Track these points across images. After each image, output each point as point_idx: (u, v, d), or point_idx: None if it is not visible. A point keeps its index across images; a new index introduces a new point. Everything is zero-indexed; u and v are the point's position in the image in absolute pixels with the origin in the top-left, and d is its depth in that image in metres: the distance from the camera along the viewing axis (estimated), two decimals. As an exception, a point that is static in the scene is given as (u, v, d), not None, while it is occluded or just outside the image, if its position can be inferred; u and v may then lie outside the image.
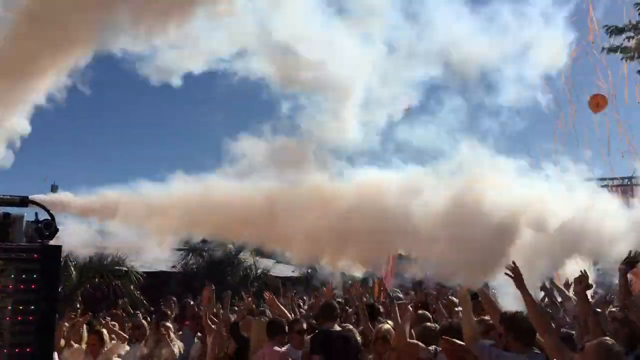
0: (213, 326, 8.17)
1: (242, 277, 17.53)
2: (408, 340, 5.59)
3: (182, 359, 9.15)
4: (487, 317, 5.43)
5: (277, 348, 6.64)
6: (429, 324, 6.27)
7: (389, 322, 6.35)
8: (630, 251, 5.56)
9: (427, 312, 7.48)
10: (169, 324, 9.63)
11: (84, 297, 15.07)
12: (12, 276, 3.15)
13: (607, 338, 3.82)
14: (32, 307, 3.10)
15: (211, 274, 16.43)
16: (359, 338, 6.68)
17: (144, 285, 16.57)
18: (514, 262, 4.53)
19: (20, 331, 3.08)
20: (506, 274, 4.51)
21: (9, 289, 3.14)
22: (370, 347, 6.36)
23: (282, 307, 8.29)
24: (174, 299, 12.15)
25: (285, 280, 18.29)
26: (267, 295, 8.54)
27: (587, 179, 5.76)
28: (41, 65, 4.97)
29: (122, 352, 8.53)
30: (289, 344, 6.98)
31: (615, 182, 15.41)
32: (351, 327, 7.11)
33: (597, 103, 10.51)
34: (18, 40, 4.71)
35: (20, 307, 3.10)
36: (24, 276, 3.15)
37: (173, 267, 17.99)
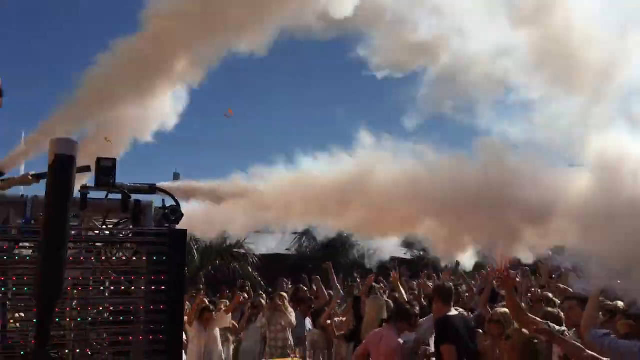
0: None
1: (355, 258, 17.71)
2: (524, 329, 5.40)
3: (296, 339, 9.49)
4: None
5: (394, 335, 6.60)
6: (550, 308, 6.01)
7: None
8: None
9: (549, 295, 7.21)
10: (284, 294, 10.02)
11: (207, 278, 15.97)
12: (145, 258, 3.39)
13: None
14: (163, 287, 3.32)
15: (324, 256, 16.76)
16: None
17: (261, 268, 17.24)
18: None
19: (154, 309, 3.32)
20: None
21: (142, 270, 3.39)
22: (485, 331, 6.23)
23: (402, 288, 8.31)
24: (286, 280, 12.54)
25: (397, 261, 18.23)
26: (393, 274, 8.60)
27: None
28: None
29: (227, 324, 9.22)
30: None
31: None
32: (462, 310, 6.98)
33: None
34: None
35: (152, 287, 3.33)
36: (154, 258, 3.37)
37: (287, 249, 18.56)
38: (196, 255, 17.19)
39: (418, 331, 7.06)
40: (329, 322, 8.43)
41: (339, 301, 9.53)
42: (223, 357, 8.94)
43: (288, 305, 9.67)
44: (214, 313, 8.87)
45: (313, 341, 9.23)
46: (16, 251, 3.25)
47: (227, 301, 9.95)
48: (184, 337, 8.55)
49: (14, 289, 3.25)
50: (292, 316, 9.53)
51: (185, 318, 7.96)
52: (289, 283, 12.53)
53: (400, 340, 6.56)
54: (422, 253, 19.88)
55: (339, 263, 17.20)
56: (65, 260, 2.45)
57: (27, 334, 3.28)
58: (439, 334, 6.08)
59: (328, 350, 8.82)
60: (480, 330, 6.46)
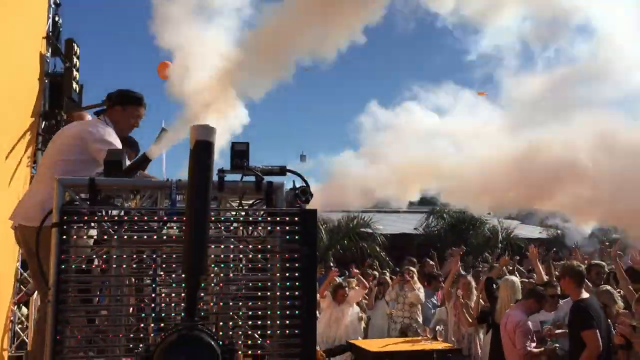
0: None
1: (485, 238, 17.17)
2: None
3: (425, 318, 9.43)
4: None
5: (519, 312, 6.45)
6: None
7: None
8: None
9: None
10: (413, 269, 10.01)
11: (335, 258, 16.31)
12: (279, 237, 3.53)
13: None
14: (297, 265, 3.45)
15: (453, 236, 16.43)
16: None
17: (389, 247, 17.28)
18: None
19: (289, 285, 3.46)
20: None
21: (276, 248, 3.54)
22: (633, 311, 5.84)
23: (539, 267, 8.03)
24: (414, 259, 12.50)
25: (531, 241, 17.43)
26: (531, 249, 8.33)
27: None
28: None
29: (361, 299, 9.44)
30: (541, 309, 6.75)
31: None
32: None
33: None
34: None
35: (287, 265, 3.47)
36: (287, 237, 3.51)
37: (415, 229, 18.41)
38: (324, 235, 17.61)
39: (557, 313, 6.78)
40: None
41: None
42: (349, 330, 9.20)
43: (417, 281, 9.64)
44: (346, 289, 9.21)
45: (441, 319, 9.14)
46: (164, 231, 3.53)
47: (355, 279, 10.15)
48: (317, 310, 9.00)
49: (164, 265, 3.55)
50: (421, 292, 9.47)
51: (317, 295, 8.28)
52: (416, 262, 12.44)
53: (525, 318, 6.37)
54: (558, 232, 18.80)
55: (469, 243, 16.77)
56: (208, 238, 2.63)
57: (175, 307, 3.58)
58: (579, 318, 5.78)
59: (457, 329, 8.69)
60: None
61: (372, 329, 9.94)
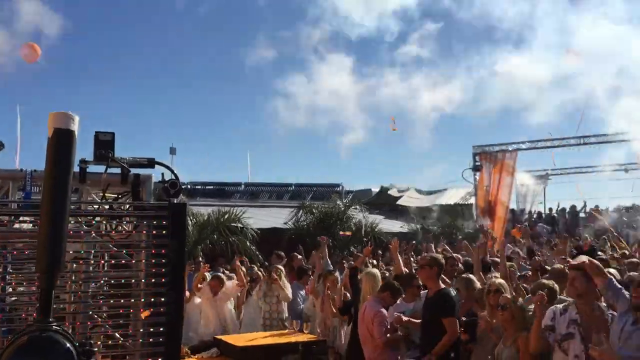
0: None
1: (351, 232, 17.80)
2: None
3: (293, 311, 9.58)
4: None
5: (375, 304, 6.78)
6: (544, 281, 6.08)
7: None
8: None
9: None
10: (281, 267, 10.11)
11: (204, 253, 16.04)
12: (145, 232, 3.40)
13: None
14: (164, 260, 3.34)
15: (321, 230, 16.83)
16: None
17: (259, 241, 17.30)
18: None
19: (154, 282, 3.34)
20: None
21: (143, 244, 3.40)
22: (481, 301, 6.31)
23: (399, 259, 8.40)
24: (281, 253, 12.67)
25: (394, 235, 18.37)
26: (393, 243, 8.67)
27: None
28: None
29: (239, 294, 9.43)
30: (400, 299, 7.09)
31: None
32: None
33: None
34: None
35: (153, 260, 3.35)
36: (154, 232, 3.39)
37: (285, 223, 18.62)
38: (193, 230, 17.27)
39: (416, 303, 7.15)
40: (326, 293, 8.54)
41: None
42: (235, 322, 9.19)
43: (285, 279, 9.75)
44: (225, 281, 9.15)
45: (308, 312, 9.34)
46: (16, 225, 3.25)
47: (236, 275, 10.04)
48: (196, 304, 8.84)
49: (14, 262, 3.27)
50: (288, 290, 9.60)
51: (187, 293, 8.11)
52: (284, 256, 12.60)
53: (380, 308, 6.71)
54: (418, 227, 19.98)
55: (337, 237, 17.28)
56: (66, 233, 2.46)
57: (27, 307, 3.31)
58: (442, 306, 6.16)
59: (323, 322, 8.92)
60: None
61: (244, 325, 9.91)
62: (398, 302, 7.12)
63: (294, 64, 57.03)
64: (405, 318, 6.69)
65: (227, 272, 10.72)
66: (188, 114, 49.32)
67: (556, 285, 5.74)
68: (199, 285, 9.22)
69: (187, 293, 8.38)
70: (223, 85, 49.07)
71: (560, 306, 4.93)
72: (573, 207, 23.42)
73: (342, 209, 18.77)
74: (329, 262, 11.33)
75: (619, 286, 4.52)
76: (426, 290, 6.76)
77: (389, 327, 6.69)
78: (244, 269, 10.32)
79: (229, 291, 9.19)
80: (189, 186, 25.21)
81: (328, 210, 18.61)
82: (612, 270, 6.08)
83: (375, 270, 8.11)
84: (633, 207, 21.54)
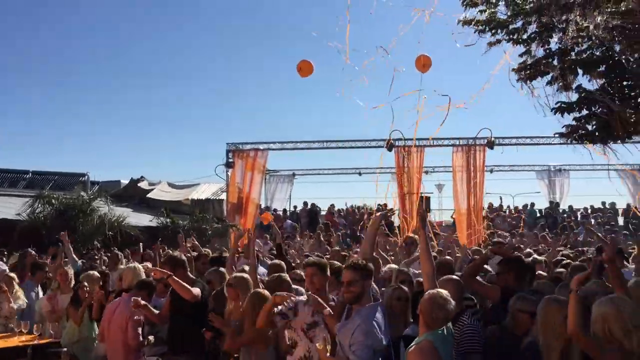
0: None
1: (95, 226, 16.77)
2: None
3: (26, 314, 8.76)
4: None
5: (117, 300, 6.77)
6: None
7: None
8: None
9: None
10: (13, 275, 9.15)
11: None
12: None
13: None
14: None
15: (61, 223, 15.56)
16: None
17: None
18: None
19: None
20: None
21: None
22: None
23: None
24: (5, 251, 11.62)
25: (141, 229, 17.82)
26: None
27: None
28: None
29: None
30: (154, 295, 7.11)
31: None
32: None
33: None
34: None
35: None
36: None
37: (18, 214, 16.74)
38: None
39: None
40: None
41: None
42: None
43: (17, 287, 8.89)
44: None
45: (41, 311, 8.64)
46: None
47: None
48: None
49: None
50: (21, 297, 8.78)
51: None
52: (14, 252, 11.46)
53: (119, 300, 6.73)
54: (168, 221, 19.60)
55: (79, 230, 16.13)
56: None
57: None
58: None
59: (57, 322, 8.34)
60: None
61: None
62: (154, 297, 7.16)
63: None
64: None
65: None
66: None
67: None
68: None
69: None
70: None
71: None
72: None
73: (87, 200, 17.53)
74: (76, 258, 10.62)
75: None
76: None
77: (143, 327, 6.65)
78: None
79: None
80: None
81: (69, 202, 17.22)
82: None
83: (137, 264, 8.25)
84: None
